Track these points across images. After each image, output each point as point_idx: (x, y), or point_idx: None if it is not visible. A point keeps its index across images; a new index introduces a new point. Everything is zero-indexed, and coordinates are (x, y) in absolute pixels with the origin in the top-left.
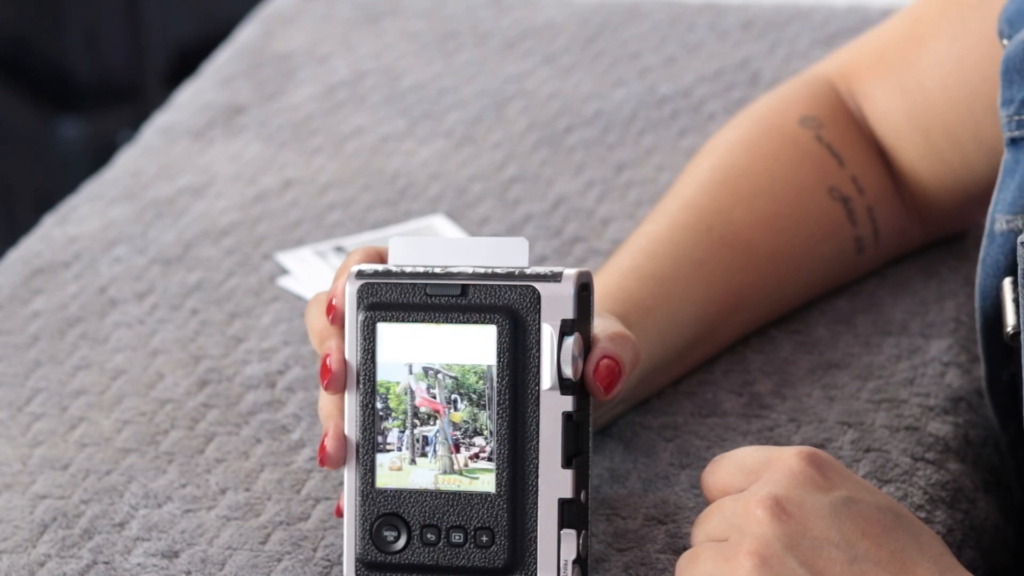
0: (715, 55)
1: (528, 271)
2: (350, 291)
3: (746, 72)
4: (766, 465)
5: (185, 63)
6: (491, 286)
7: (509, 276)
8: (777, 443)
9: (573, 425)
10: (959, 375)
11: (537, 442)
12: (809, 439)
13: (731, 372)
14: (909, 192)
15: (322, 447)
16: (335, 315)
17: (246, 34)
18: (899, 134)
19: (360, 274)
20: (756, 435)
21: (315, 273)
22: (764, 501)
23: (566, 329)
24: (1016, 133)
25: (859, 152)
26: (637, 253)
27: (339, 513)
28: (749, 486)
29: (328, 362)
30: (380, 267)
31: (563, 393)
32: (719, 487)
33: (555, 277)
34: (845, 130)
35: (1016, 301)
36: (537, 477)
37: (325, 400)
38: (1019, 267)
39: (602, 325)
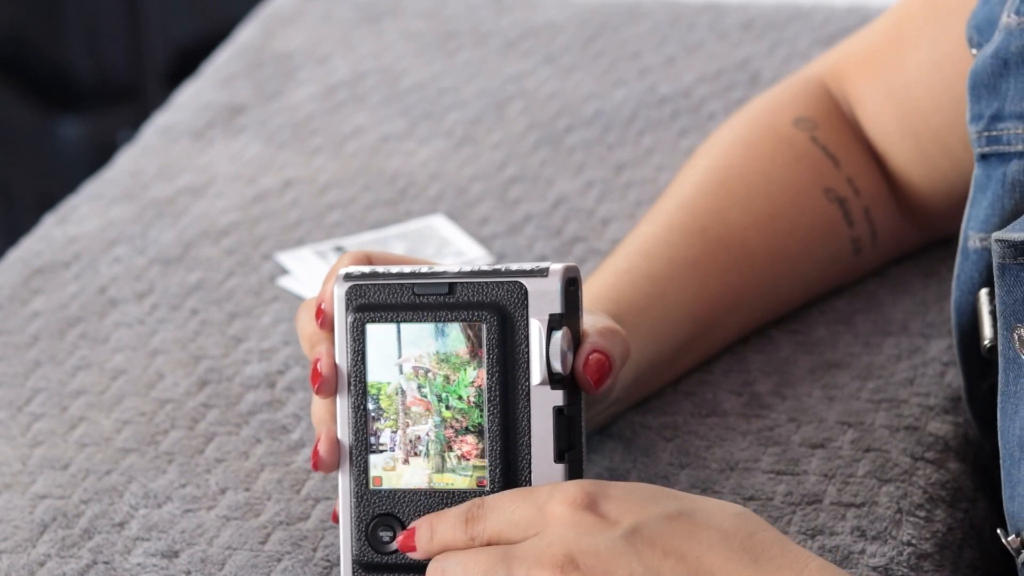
0: (715, 55)
1: (514, 267)
2: (338, 293)
3: (746, 72)
4: (540, 519)
5: (185, 63)
6: (478, 283)
7: (496, 273)
8: (777, 443)
9: (564, 419)
10: (959, 375)
11: (529, 437)
12: (809, 439)
13: (731, 372)
14: (903, 195)
15: (315, 452)
16: (324, 319)
17: (246, 34)
18: (891, 139)
19: (348, 276)
20: (756, 435)
21: (315, 273)
22: (557, 562)
23: (554, 324)
24: (986, 149)
25: (854, 153)
26: (632, 254)
27: (336, 519)
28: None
29: (318, 366)
30: (367, 269)
31: (553, 388)
32: (490, 539)
33: (541, 272)
34: (840, 131)
35: (992, 313)
36: (530, 472)
37: (317, 404)
38: (994, 269)
39: (592, 321)
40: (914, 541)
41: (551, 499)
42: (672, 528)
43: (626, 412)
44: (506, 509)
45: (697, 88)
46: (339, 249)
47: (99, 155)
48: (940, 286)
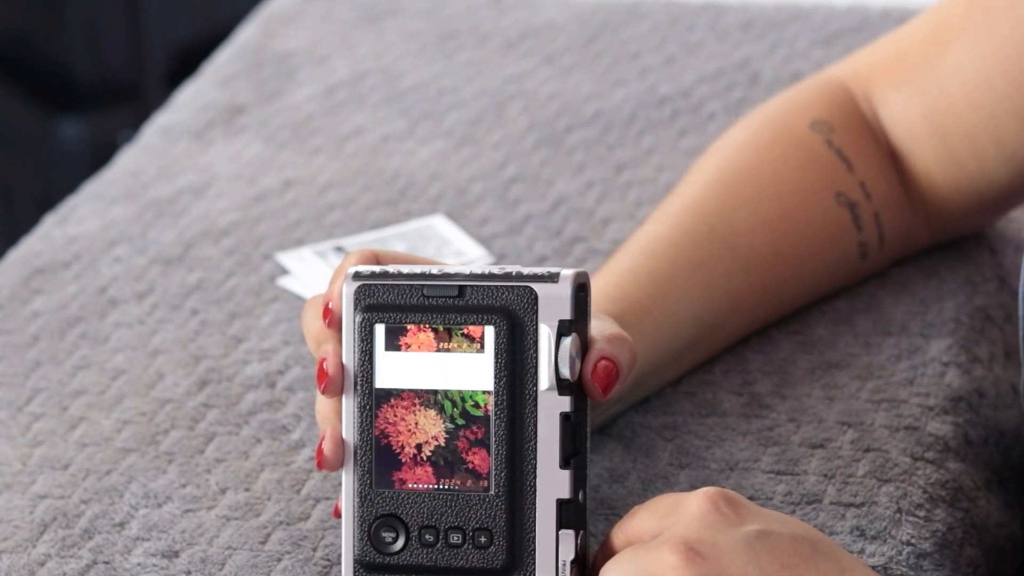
0: (715, 55)
1: (525, 271)
2: (347, 292)
3: (746, 72)
4: (674, 509)
5: (185, 63)
6: (488, 287)
7: (506, 277)
8: (776, 443)
9: (571, 426)
10: (959, 375)
11: (535, 443)
12: (809, 439)
13: (731, 372)
14: (920, 196)
15: (319, 451)
16: (332, 318)
17: (246, 34)
18: (916, 137)
19: (357, 275)
20: (756, 435)
21: (315, 273)
22: (676, 546)
23: (563, 330)
24: None
25: (869, 157)
26: (636, 254)
27: (337, 514)
28: (661, 531)
29: (325, 366)
30: (377, 268)
31: (561, 394)
32: (635, 534)
33: (552, 278)
34: (856, 135)
35: None
36: (535, 477)
37: (322, 403)
38: None
39: (599, 326)
40: (913, 541)
41: (691, 494)
42: (795, 547)
43: (626, 412)
44: (651, 503)
45: (697, 88)
46: (339, 249)
47: (99, 155)
48: (940, 286)
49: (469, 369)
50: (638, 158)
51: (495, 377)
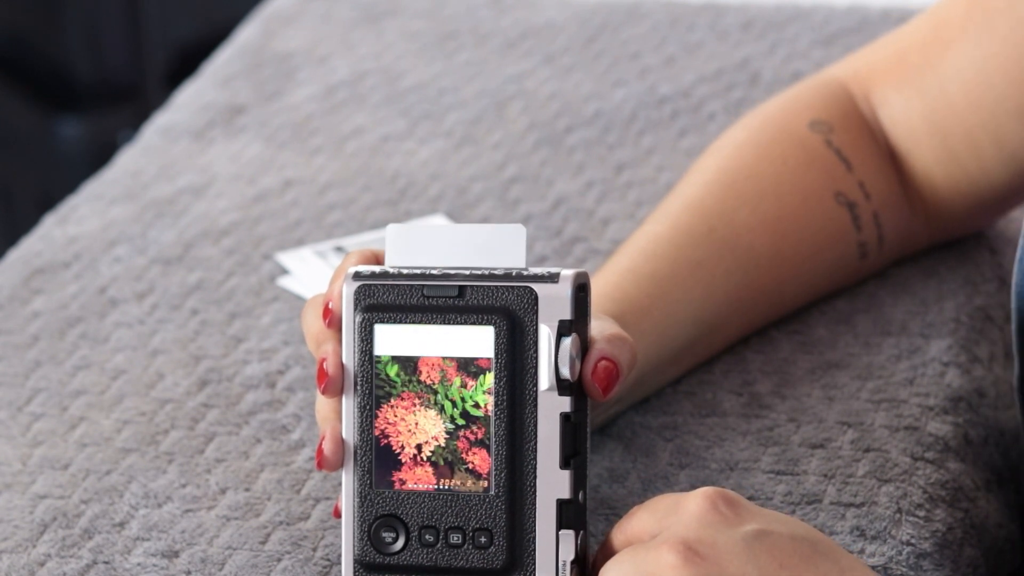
0: (715, 55)
1: (525, 272)
2: (347, 292)
3: (746, 72)
4: (674, 509)
5: (185, 63)
6: (488, 287)
7: (506, 277)
8: (776, 443)
9: (571, 426)
10: (959, 375)
11: (535, 443)
12: (809, 439)
13: (731, 372)
14: (920, 196)
15: (319, 451)
16: (332, 318)
17: (246, 34)
18: (916, 138)
19: (357, 275)
20: (756, 435)
21: (315, 273)
22: (675, 546)
23: (563, 330)
24: None
25: (868, 157)
26: (636, 254)
27: (337, 514)
28: (660, 531)
29: (325, 366)
30: (377, 268)
31: (561, 394)
32: (635, 535)
33: (552, 278)
34: (856, 135)
35: None
36: (535, 478)
37: (322, 403)
38: None
39: (599, 326)
40: (913, 541)
41: (690, 494)
42: (794, 547)
43: (626, 412)
44: (651, 503)
45: (697, 88)
46: (339, 249)
47: (99, 155)
48: (940, 286)
49: (469, 337)
50: (638, 158)
51: (495, 377)
